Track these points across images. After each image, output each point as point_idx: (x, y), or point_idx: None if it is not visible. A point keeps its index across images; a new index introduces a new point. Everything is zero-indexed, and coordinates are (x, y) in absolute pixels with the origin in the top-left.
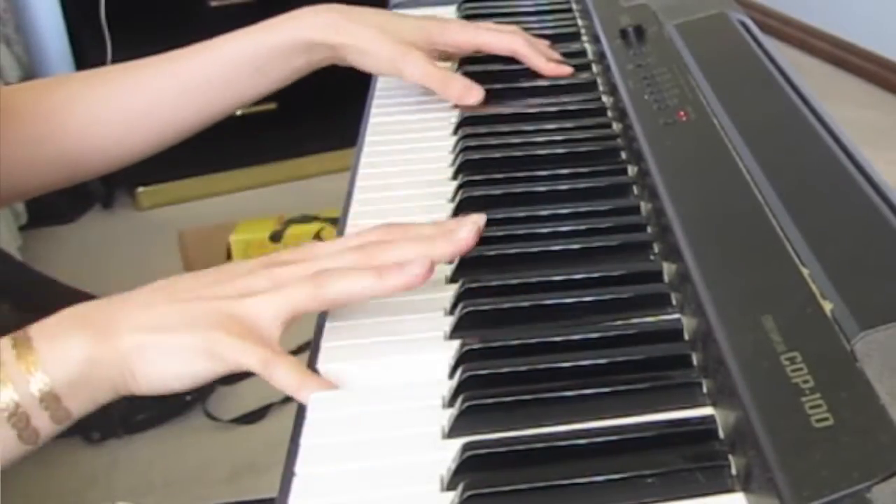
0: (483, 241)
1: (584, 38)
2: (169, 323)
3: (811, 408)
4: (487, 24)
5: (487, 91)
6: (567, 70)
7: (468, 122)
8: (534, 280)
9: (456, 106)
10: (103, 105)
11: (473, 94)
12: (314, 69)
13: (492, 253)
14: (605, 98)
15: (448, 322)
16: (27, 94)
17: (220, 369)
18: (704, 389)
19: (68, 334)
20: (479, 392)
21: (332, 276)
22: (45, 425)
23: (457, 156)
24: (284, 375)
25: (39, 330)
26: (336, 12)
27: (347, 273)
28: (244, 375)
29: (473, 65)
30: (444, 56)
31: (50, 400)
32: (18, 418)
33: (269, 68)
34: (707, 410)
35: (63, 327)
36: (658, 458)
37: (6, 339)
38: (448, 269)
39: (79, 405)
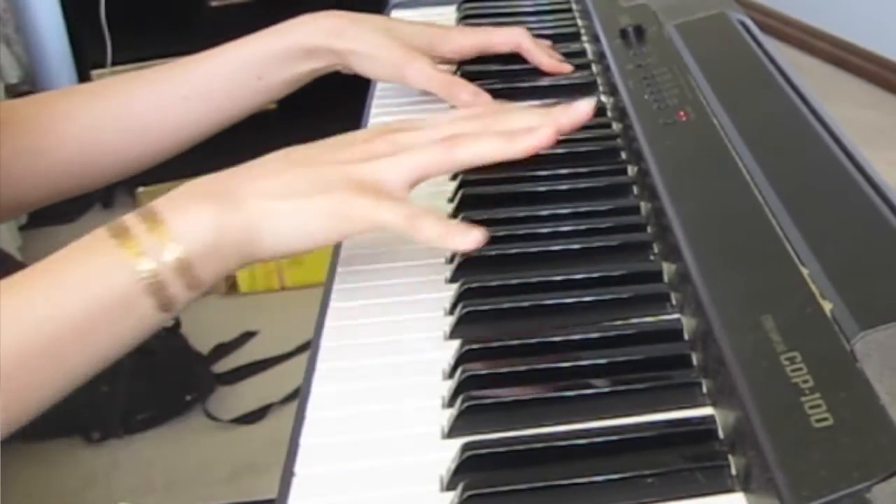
0: None
1: (584, 38)
2: (297, 187)
3: (811, 408)
4: (487, 27)
5: (487, 91)
6: (567, 67)
7: None
8: (534, 280)
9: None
10: (103, 116)
11: (482, 101)
12: (317, 76)
13: (492, 253)
14: (604, 98)
15: (448, 322)
16: (28, 107)
17: (351, 229)
18: (704, 389)
19: (195, 204)
20: (479, 392)
21: (464, 139)
22: (180, 292)
23: None
24: (430, 227)
25: (165, 203)
26: (339, 17)
27: (478, 136)
28: (244, 375)
29: (473, 65)
30: (444, 61)
31: (184, 268)
32: (157, 287)
33: (272, 75)
34: (707, 410)
35: (187, 199)
36: (658, 458)
37: (132, 215)
38: (448, 270)
39: (210, 272)
